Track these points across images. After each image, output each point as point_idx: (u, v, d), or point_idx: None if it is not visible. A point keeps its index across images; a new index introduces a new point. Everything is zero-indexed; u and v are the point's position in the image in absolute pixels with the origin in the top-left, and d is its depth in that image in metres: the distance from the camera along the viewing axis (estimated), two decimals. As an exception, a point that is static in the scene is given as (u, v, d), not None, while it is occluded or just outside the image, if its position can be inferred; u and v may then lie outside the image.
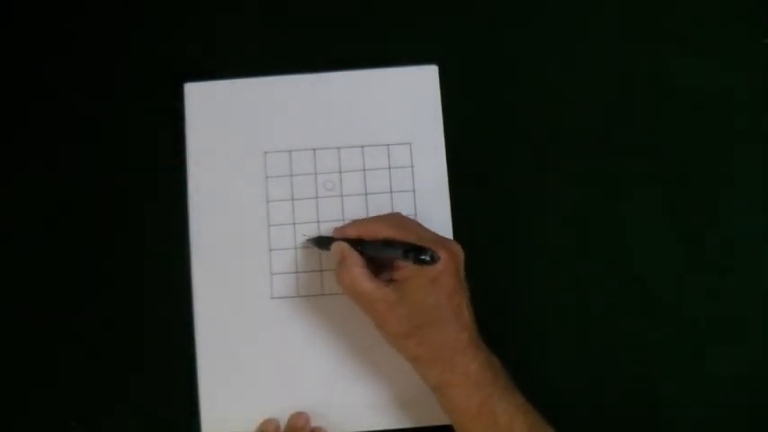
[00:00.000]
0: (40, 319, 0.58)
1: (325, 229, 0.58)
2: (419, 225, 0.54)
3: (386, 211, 0.59)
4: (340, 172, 0.60)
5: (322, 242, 0.56)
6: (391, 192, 0.59)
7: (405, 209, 0.59)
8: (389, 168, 0.60)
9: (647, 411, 0.58)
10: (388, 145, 0.60)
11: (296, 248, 0.59)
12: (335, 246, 0.53)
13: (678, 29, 0.63)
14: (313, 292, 0.58)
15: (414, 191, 0.60)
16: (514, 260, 0.59)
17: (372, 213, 0.59)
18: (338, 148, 0.60)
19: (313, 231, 0.59)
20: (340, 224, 0.58)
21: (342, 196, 0.59)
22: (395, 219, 0.55)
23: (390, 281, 0.52)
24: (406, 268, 0.50)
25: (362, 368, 0.57)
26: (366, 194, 0.59)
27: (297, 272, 0.58)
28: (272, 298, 0.58)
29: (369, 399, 0.57)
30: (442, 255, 0.49)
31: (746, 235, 0.60)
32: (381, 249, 0.51)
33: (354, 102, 0.61)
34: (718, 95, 0.62)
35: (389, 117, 0.60)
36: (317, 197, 0.59)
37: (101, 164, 0.60)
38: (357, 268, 0.51)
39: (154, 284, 0.58)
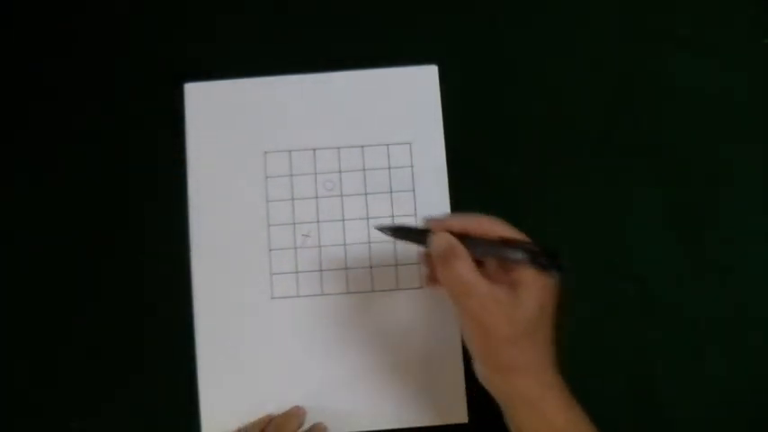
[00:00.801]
0: (40, 319, 0.58)
1: (325, 230, 0.59)
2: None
3: (386, 210, 0.59)
4: (340, 172, 0.60)
5: (403, 233, 0.51)
6: (391, 192, 0.59)
7: (405, 209, 0.59)
8: (389, 168, 0.60)
9: (647, 411, 0.58)
10: (388, 145, 0.60)
11: (296, 248, 0.59)
12: (441, 237, 0.48)
13: (678, 29, 0.63)
14: (313, 292, 0.58)
15: (414, 191, 0.60)
16: (514, 260, 0.59)
17: (372, 213, 0.59)
18: (338, 148, 0.60)
19: (387, 221, 0.56)
20: (340, 224, 0.59)
21: (342, 196, 0.59)
22: (497, 218, 0.50)
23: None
24: (521, 272, 0.46)
25: (362, 368, 0.57)
26: (366, 194, 0.59)
27: (297, 272, 0.58)
28: (272, 298, 0.58)
29: (368, 399, 0.57)
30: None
31: (746, 235, 0.60)
32: (497, 249, 0.47)
33: (354, 102, 0.61)
34: (718, 95, 0.62)
35: (389, 117, 0.60)
36: (316, 197, 0.59)
37: (101, 164, 0.60)
38: (468, 261, 0.46)
39: (154, 284, 0.58)
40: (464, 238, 0.48)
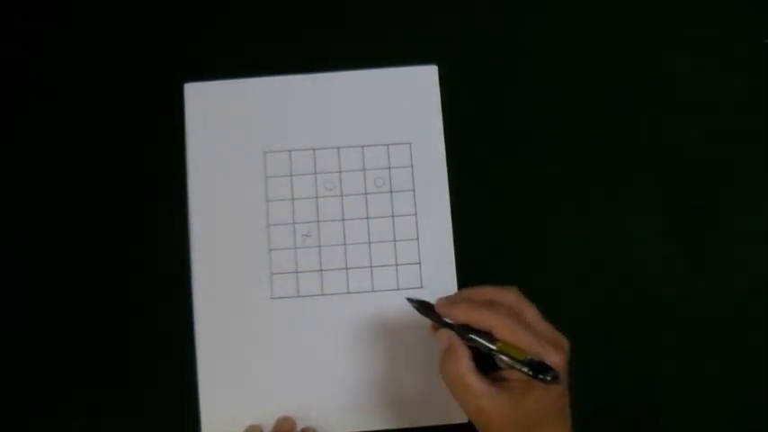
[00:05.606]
0: (39, 320, 0.58)
1: (325, 230, 0.59)
2: (535, 313, 0.49)
3: (386, 210, 0.59)
4: (340, 172, 0.60)
5: (424, 307, 0.52)
6: (391, 192, 0.59)
7: (405, 209, 0.59)
8: (389, 168, 0.60)
9: (647, 411, 0.58)
10: (388, 145, 0.60)
11: (296, 248, 0.59)
12: (443, 333, 0.49)
13: (678, 29, 0.63)
14: (313, 292, 0.58)
15: (414, 191, 0.60)
16: (514, 260, 0.59)
17: (372, 213, 0.59)
18: (338, 147, 0.60)
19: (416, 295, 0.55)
20: (340, 224, 0.59)
21: (342, 196, 0.59)
22: (511, 307, 0.49)
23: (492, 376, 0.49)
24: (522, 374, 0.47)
25: (361, 368, 0.57)
26: (366, 194, 0.59)
27: (297, 272, 0.58)
28: (272, 298, 0.58)
29: (368, 399, 0.57)
30: (558, 359, 0.47)
31: (746, 235, 0.60)
32: (498, 353, 0.47)
33: (354, 102, 0.61)
34: (718, 95, 0.62)
35: (389, 117, 0.60)
36: (316, 197, 0.59)
37: (101, 164, 0.60)
38: (465, 361, 0.48)
39: (154, 284, 0.58)
40: (469, 327, 0.49)
